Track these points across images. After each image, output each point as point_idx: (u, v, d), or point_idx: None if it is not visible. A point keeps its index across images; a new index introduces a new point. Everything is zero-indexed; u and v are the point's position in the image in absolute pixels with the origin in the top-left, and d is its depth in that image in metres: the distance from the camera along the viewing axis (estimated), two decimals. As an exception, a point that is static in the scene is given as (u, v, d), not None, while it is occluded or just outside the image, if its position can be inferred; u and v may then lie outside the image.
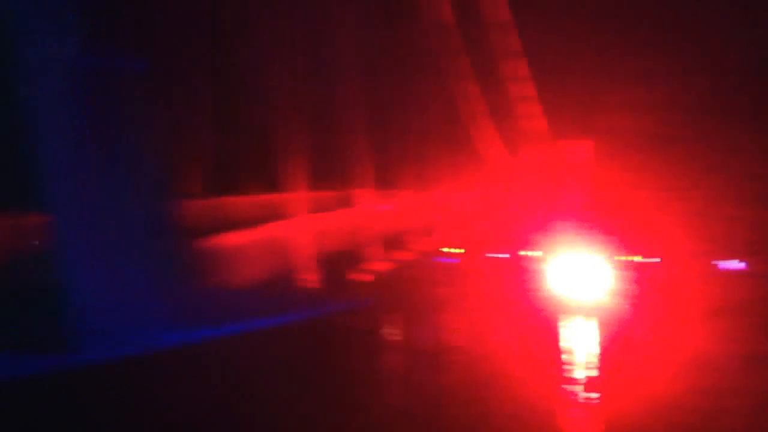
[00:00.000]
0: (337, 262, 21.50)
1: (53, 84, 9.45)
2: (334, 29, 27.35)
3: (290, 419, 8.55)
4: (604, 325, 21.00)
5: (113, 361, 7.57)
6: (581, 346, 16.88)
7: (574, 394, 11.01)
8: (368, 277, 22.29)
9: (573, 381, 11.89)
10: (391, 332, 17.04)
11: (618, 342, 17.50)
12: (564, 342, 17.51)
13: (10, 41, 9.23)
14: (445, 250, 35.64)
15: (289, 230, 20.55)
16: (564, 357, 14.62)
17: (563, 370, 12.76)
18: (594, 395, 10.97)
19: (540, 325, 18.97)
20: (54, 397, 6.91)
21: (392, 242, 28.33)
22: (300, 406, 9.19)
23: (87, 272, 9.70)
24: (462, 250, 36.27)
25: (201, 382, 8.41)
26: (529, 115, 54.20)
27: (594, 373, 12.94)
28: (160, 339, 9.78)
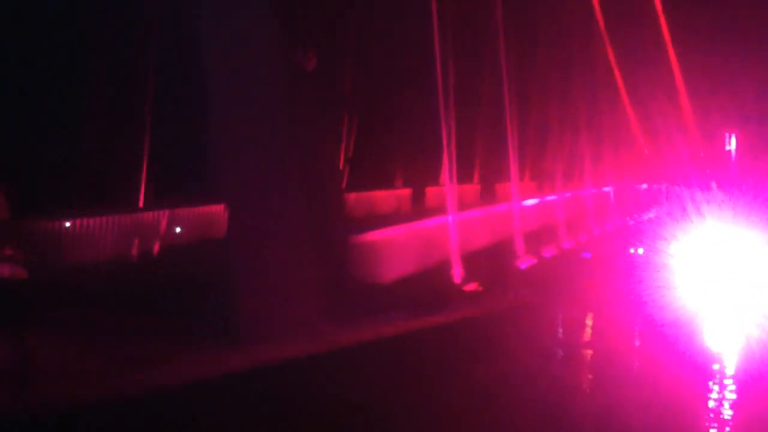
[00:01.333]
0: (490, 257, 20.88)
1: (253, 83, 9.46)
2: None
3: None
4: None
5: (294, 359, 7.28)
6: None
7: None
8: (519, 273, 21.49)
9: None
10: (554, 330, 16.55)
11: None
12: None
13: (209, 40, 9.28)
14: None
15: (441, 224, 20.06)
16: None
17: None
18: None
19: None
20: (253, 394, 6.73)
21: (541, 236, 27.49)
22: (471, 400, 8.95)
23: (257, 267, 9.57)
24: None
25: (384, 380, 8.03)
26: (679, 107, 51.89)
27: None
28: (326, 335, 9.49)
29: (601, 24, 37.39)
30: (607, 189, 39.90)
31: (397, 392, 8.12)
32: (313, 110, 10.22)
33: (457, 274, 18.71)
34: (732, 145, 68.29)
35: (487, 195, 33.68)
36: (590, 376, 15.31)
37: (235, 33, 9.52)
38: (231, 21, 9.53)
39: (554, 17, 34.21)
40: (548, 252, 27.43)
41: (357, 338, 8.17)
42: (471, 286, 16.12)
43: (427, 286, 14.75)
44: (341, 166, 28.24)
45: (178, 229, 19.56)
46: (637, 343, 17.56)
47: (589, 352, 18.48)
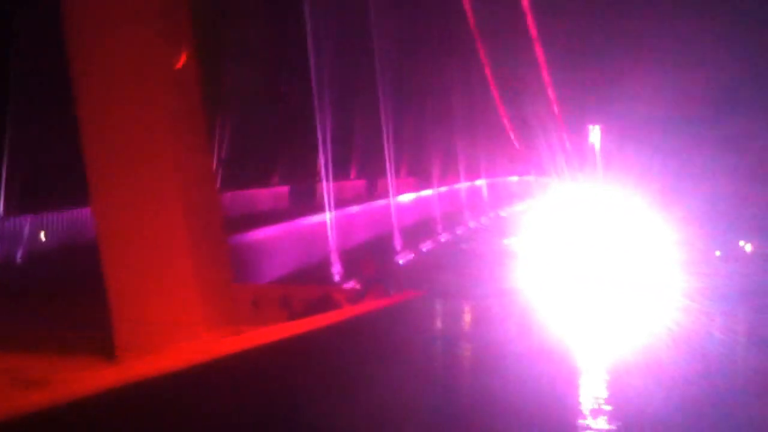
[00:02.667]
0: (369, 253, 20.98)
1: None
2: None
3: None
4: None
5: (173, 372, 7.01)
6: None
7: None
8: (398, 268, 21.74)
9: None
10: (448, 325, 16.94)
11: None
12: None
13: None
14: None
15: (320, 222, 19.99)
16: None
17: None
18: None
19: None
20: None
21: (419, 231, 27.86)
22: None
23: (131, 272, 9.21)
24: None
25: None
26: (547, 102, 53.78)
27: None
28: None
29: (473, 23, 38.26)
30: (480, 183, 40.85)
31: (281, 403, 8.02)
32: (188, 109, 9.91)
33: (337, 272, 18.73)
34: (596, 137, 71.36)
35: (368, 191, 33.87)
36: (468, 370, 15.69)
37: (104, 28, 9.11)
38: (98, 14, 9.11)
39: (429, 18, 34.73)
40: (426, 246, 27.83)
41: (240, 346, 7.98)
42: (350, 284, 16.16)
43: (308, 286, 14.65)
44: (215, 166, 27.72)
45: (43, 235, 18.65)
46: (513, 332, 18.08)
47: (468, 345, 18.92)
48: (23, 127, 19.03)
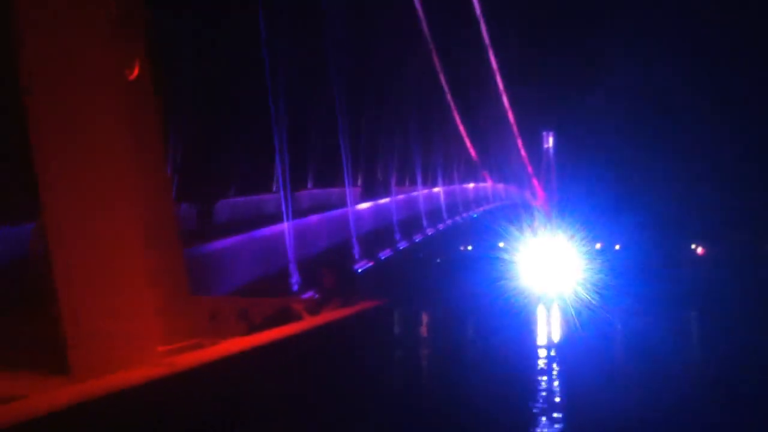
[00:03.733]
0: (328, 263, 20.84)
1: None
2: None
3: None
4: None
5: (128, 389, 6.83)
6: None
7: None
8: (357, 277, 21.64)
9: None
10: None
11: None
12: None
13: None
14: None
15: (278, 231, 19.81)
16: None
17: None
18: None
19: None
20: None
21: (378, 239, 27.82)
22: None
23: (85, 286, 8.99)
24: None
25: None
26: (503, 109, 54.18)
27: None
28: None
29: (426, 31, 38.39)
30: (437, 190, 41.00)
31: (242, 416, 7.90)
32: (142, 118, 9.74)
33: (296, 281, 18.58)
34: (550, 143, 72.18)
35: (324, 200, 33.73)
36: (428, 375, 15.72)
37: (56, 33, 8.89)
38: (50, 20, 8.88)
39: (382, 27, 34.77)
40: (384, 254, 27.79)
41: (197, 359, 7.82)
42: (309, 294, 16.03)
43: (266, 298, 14.50)
44: (170, 175, 27.37)
45: None
46: (471, 335, 18.22)
47: (426, 351, 18.92)
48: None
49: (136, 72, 9.69)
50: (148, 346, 8.76)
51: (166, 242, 10.03)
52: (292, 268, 17.95)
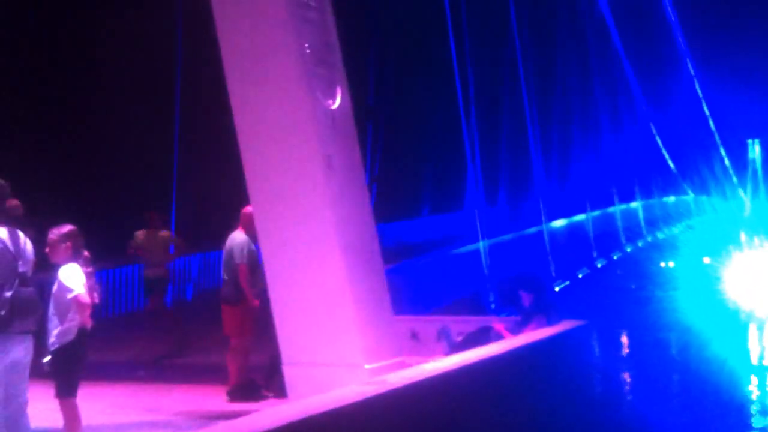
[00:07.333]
0: (526, 281, 20.58)
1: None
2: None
3: None
4: None
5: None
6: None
7: None
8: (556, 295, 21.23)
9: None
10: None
11: None
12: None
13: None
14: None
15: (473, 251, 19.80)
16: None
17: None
18: None
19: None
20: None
21: (574, 257, 27.11)
22: None
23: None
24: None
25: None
26: (701, 117, 51.01)
27: None
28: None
29: (617, 40, 37.19)
30: (635, 205, 39.39)
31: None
32: (342, 145, 10.10)
33: (493, 300, 18.46)
34: (757, 152, 67.52)
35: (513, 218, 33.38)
36: (630, 404, 15.03)
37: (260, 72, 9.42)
38: (256, 67, 9.42)
39: (571, 37, 34.06)
40: (581, 271, 27.08)
41: (407, 377, 7.92)
42: (507, 313, 15.88)
43: (466, 317, 14.49)
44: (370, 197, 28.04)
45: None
46: (675, 356, 17.34)
47: (629, 373, 18.17)
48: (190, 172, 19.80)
49: (336, 103, 10.04)
50: (356, 365, 9.00)
51: (370, 264, 10.25)
52: (489, 287, 17.86)
